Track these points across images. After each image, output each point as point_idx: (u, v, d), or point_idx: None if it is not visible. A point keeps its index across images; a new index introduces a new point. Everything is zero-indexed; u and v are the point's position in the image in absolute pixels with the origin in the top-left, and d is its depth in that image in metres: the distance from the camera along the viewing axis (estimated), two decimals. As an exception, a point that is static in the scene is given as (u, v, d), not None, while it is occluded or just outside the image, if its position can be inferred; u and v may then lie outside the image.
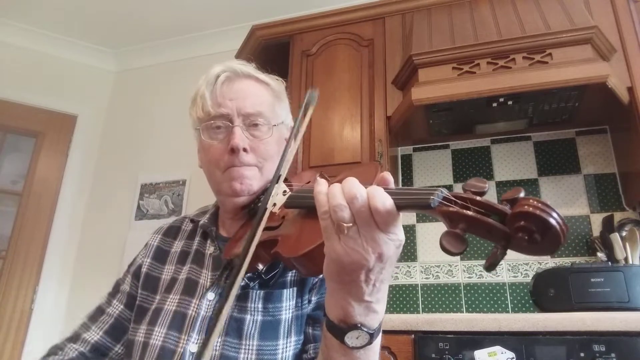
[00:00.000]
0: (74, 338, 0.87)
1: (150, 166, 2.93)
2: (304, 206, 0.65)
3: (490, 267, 0.42)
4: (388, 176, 0.53)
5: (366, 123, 2.08)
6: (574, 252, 1.98)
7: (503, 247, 0.42)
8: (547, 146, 2.17)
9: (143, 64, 3.26)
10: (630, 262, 1.74)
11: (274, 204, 0.68)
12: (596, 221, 1.98)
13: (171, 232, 0.94)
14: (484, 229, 0.43)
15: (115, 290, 0.91)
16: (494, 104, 1.86)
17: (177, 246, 0.90)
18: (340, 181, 0.51)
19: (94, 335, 0.85)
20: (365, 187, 0.49)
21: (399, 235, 0.50)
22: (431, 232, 2.22)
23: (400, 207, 0.49)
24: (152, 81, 3.18)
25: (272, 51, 2.41)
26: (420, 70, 1.92)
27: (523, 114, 1.97)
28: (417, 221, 2.26)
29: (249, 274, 0.74)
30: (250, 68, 0.87)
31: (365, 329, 0.53)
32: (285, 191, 0.69)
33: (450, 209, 0.44)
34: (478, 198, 0.44)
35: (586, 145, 2.12)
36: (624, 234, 1.83)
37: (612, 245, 1.79)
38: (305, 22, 2.37)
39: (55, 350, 0.85)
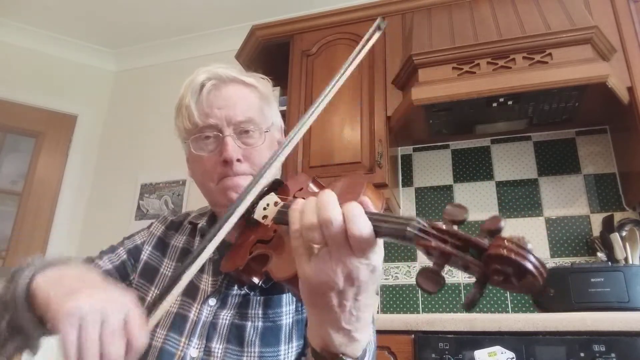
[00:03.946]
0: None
1: (150, 166, 2.93)
2: None
3: (469, 305, 0.40)
4: (367, 200, 0.51)
5: (366, 123, 2.08)
6: (574, 252, 1.98)
7: (481, 285, 0.40)
8: (547, 146, 2.17)
9: (143, 64, 3.26)
10: (630, 262, 1.74)
11: (265, 216, 0.67)
12: (596, 221, 1.98)
13: (173, 226, 0.93)
14: (460, 265, 0.42)
15: (110, 251, 0.89)
16: (494, 104, 1.86)
17: (178, 240, 0.88)
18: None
19: None
20: (345, 203, 0.47)
21: (373, 260, 0.47)
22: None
23: (376, 234, 0.47)
24: (152, 81, 3.18)
25: (272, 51, 2.41)
26: (420, 70, 1.92)
27: (523, 114, 1.96)
28: (417, 221, 2.25)
29: (248, 285, 0.73)
30: (234, 71, 0.84)
31: (348, 359, 0.52)
32: (276, 202, 0.67)
33: (427, 242, 0.43)
34: (455, 229, 0.42)
35: (586, 145, 2.11)
36: (624, 234, 1.83)
37: (612, 245, 1.79)
38: (305, 22, 2.37)
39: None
